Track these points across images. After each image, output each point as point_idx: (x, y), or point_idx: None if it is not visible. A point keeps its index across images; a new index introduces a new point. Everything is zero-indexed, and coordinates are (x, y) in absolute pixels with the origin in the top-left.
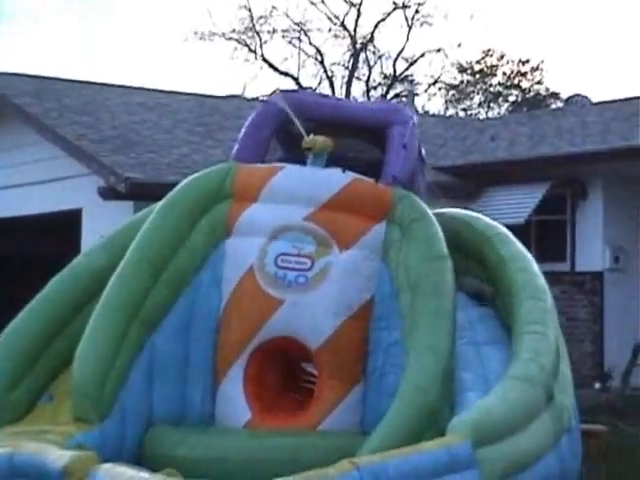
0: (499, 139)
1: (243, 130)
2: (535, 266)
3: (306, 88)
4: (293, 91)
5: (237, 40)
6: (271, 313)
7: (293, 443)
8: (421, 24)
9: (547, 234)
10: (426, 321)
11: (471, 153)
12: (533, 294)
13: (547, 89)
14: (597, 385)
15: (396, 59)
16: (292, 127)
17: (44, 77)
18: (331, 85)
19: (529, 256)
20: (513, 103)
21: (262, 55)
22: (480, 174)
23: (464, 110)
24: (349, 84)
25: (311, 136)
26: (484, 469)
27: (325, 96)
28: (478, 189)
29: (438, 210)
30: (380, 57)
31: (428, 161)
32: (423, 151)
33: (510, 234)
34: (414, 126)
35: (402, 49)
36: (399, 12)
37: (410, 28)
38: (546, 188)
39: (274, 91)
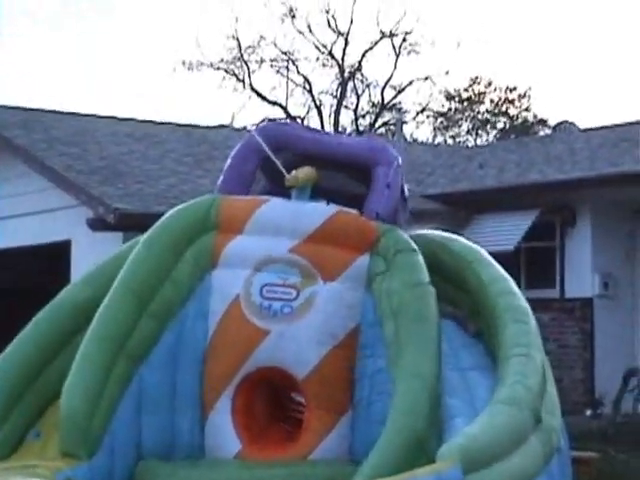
0: (487, 166)
1: (228, 162)
2: (516, 288)
3: (294, 117)
4: (280, 123)
5: (225, 70)
6: (257, 344)
7: (284, 473)
8: (408, 52)
9: (536, 261)
10: (411, 348)
11: (460, 181)
12: (516, 317)
13: (535, 116)
14: (588, 412)
15: (384, 87)
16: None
17: (31, 109)
18: (319, 114)
19: (509, 278)
20: (501, 130)
21: (250, 84)
22: (469, 202)
23: (452, 137)
24: (337, 113)
25: (293, 172)
26: None
27: (311, 130)
28: (467, 217)
29: (413, 232)
30: (368, 85)
31: (417, 189)
32: (406, 189)
33: (488, 256)
34: (399, 166)
35: (390, 77)
36: (386, 41)
37: (398, 56)
38: (535, 215)
39: (262, 120)
